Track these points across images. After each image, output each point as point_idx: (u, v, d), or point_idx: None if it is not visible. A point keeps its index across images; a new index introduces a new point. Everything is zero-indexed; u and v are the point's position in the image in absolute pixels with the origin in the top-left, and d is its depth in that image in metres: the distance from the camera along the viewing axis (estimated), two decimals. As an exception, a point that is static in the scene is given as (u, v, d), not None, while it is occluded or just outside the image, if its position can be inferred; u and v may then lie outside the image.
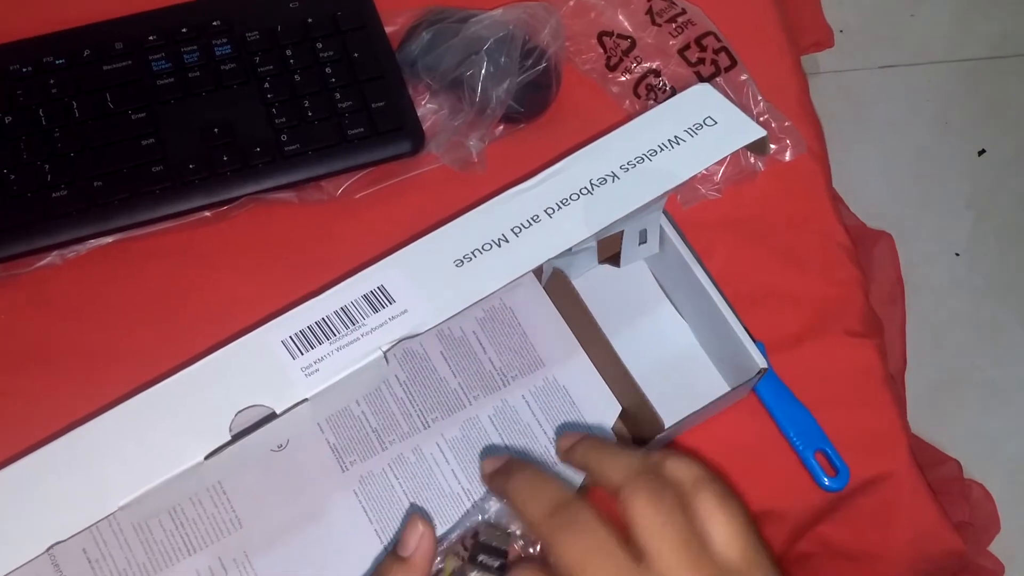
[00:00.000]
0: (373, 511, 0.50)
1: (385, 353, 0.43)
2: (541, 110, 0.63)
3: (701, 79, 0.65)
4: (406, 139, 0.61)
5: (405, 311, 0.44)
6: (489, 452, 0.52)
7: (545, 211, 0.47)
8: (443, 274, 0.45)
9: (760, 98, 0.64)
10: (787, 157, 0.64)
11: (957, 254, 1.36)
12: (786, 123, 0.64)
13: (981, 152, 1.41)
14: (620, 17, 0.66)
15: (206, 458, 0.41)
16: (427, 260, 0.46)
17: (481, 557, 0.45)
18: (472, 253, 0.46)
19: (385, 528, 0.50)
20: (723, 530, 0.36)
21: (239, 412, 0.42)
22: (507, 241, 0.46)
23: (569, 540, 0.36)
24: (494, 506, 0.48)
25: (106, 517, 0.40)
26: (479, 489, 0.51)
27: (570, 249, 0.47)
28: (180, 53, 0.61)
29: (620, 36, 0.66)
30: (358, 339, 0.44)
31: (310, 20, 0.62)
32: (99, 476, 0.41)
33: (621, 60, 0.65)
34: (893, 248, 0.86)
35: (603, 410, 0.53)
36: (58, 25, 0.61)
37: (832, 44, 0.96)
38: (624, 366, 0.53)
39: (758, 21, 0.69)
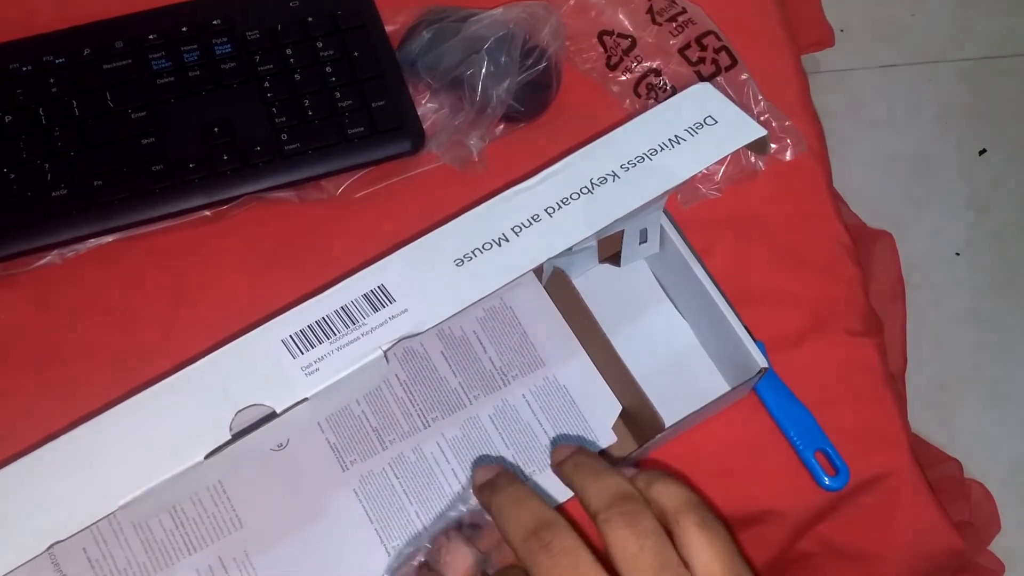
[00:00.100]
0: (373, 510, 0.50)
1: (385, 352, 0.43)
2: (541, 109, 0.63)
3: (701, 78, 0.65)
4: (406, 138, 0.61)
5: (405, 310, 0.44)
6: (489, 453, 0.52)
7: (545, 210, 0.47)
8: (443, 273, 0.45)
9: (760, 97, 0.64)
10: (787, 156, 0.64)
11: (957, 253, 1.36)
12: (786, 122, 0.64)
13: (982, 152, 1.41)
14: (620, 16, 0.66)
15: (206, 457, 0.41)
16: (427, 259, 0.46)
17: None
18: (472, 252, 0.46)
19: (385, 527, 0.50)
20: (704, 557, 0.35)
21: (239, 411, 0.42)
22: (507, 240, 0.46)
23: (547, 563, 0.35)
24: (474, 497, 0.48)
25: (106, 516, 0.40)
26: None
27: (570, 248, 0.47)
28: (180, 52, 0.61)
29: (620, 35, 0.66)
30: (358, 338, 0.43)
31: (310, 19, 0.62)
32: (99, 475, 0.41)
33: (621, 59, 0.65)
34: (893, 247, 0.86)
35: (603, 409, 0.53)
36: (58, 24, 0.61)
37: (833, 43, 0.96)
38: (624, 365, 0.53)
39: (759, 20, 0.69)
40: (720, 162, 0.63)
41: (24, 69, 0.59)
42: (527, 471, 0.51)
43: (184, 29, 0.61)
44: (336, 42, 0.62)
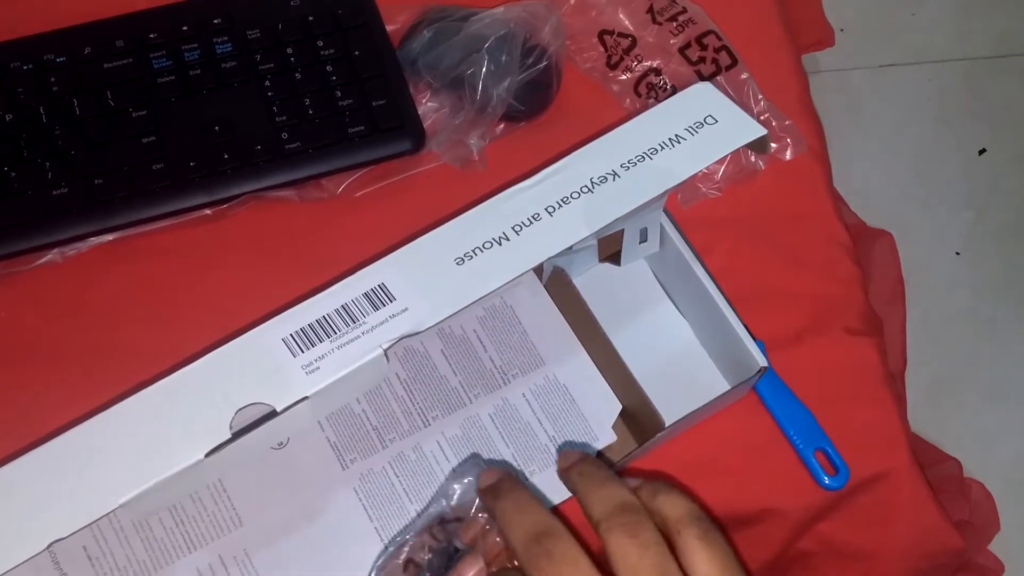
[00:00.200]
0: (373, 509, 0.50)
1: (386, 351, 0.43)
2: (542, 109, 0.63)
3: (702, 78, 0.65)
4: (407, 137, 0.61)
5: (406, 309, 0.44)
6: (489, 452, 0.52)
7: (546, 209, 0.47)
8: (444, 272, 0.45)
9: (761, 97, 0.64)
10: (788, 156, 0.64)
11: (957, 253, 1.36)
12: (786, 122, 0.64)
13: (981, 151, 1.41)
14: (621, 16, 0.66)
15: (206, 456, 0.41)
16: (428, 258, 0.46)
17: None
18: (473, 251, 0.46)
19: (385, 526, 0.50)
20: (704, 569, 0.36)
21: (239, 410, 0.42)
22: (508, 239, 0.46)
23: (548, 570, 0.36)
24: (457, 490, 0.48)
25: (106, 515, 0.40)
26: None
27: (571, 247, 0.47)
28: (181, 51, 0.61)
29: (621, 35, 0.66)
30: (359, 337, 0.44)
31: (311, 18, 0.62)
32: (99, 473, 0.41)
33: (622, 59, 0.65)
34: (893, 247, 0.86)
35: (603, 408, 0.53)
36: (59, 23, 0.61)
37: (833, 43, 0.96)
38: (624, 364, 0.53)
39: (759, 20, 0.69)
40: (720, 161, 0.63)
41: (25, 68, 0.59)
42: (527, 470, 0.52)
43: (185, 28, 0.61)
44: (337, 41, 0.62)
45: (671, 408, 0.52)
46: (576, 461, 0.42)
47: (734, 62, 0.65)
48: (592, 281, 0.59)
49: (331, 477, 0.50)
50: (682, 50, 0.65)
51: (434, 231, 0.47)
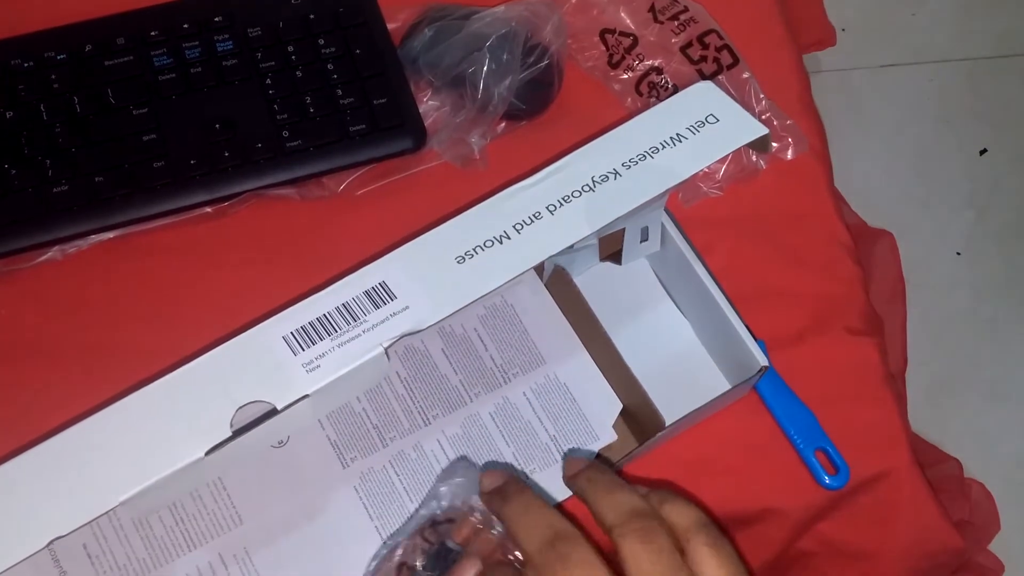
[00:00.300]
0: (373, 507, 0.50)
1: (386, 349, 0.43)
2: (543, 107, 0.63)
3: (703, 77, 0.65)
4: (408, 136, 0.61)
5: (407, 307, 0.44)
6: (490, 451, 0.52)
7: (547, 208, 0.47)
8: (445, 271, 0.45)
9: (762, 96, 0.64)
10: (789, 155, 0.64)
11: (958, 253, 1.36)
12: (788, 121, 0.64)
13: (982, 151, 1.41)
14: (622, 15, 0.66)
15: (207, 454, 0.41)
16: (429, 256, 0.46)
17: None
18: (474, 250, 0.46)
19: (385, 524, 0.50)
20: (715, 574, 0.36)
21: (240, 408, 0.42)
22: (509, 238, 0.46)
23: (562, 574, 0.36)
24: (447, 491, 0.48)
25: (106, 513, 0.40)
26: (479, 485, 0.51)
27: (572, 246, 0.47)
28: (182, 49, 0.61)
29: (622, 34, 0.66)
30: (359, 335, 0.43)
31: (312, 16, 0.62)
32: (99, 471, 0.41)
33: (623, 58, 0.65)
34: (894, 247, 0.86)
35: (604, 408, 0.53)
36: (60, 20, 0.61)
37: (834, 43, 0.96)
38: (625, 364, 0.53)
39: (760, 19, 0.69)
40: (721, 161, 0.63)
41: (26, 65, 0.59)
42: (527, 469, 0.51)
43: (186, 26, 0.61)
44: (338, 39, 0.62)
45: (672, 407, 0.52)
46: (583, 468, 0.42)
47: (735, 61, 0.65)
48: (593, 280, 0.59)
49: (331, 476, 0.50)
50: (683, 49, 0.65)
51: (435, 229, 0.47)
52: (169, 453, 0.41)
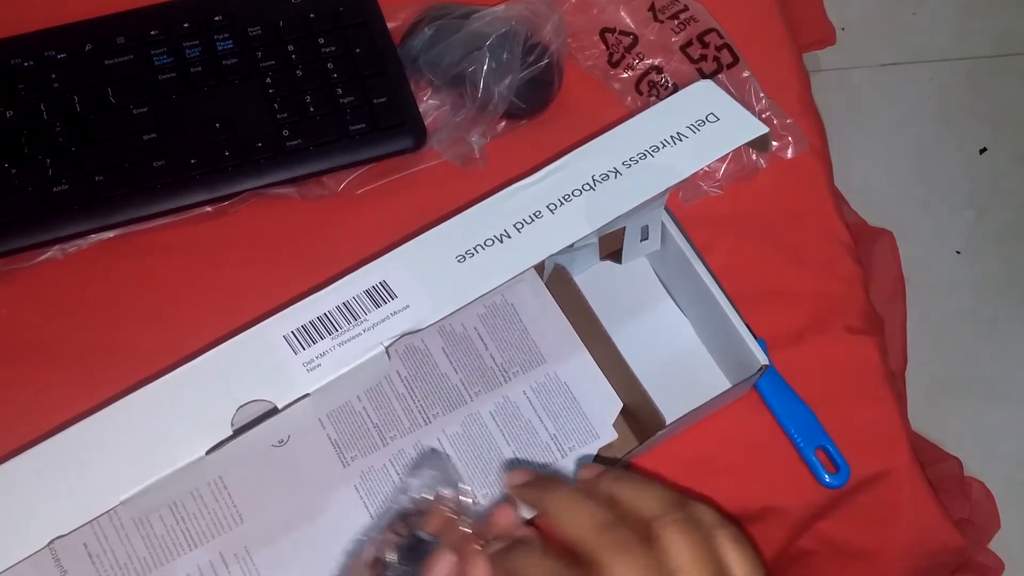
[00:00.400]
0: (374, 506, 0.50)
1: (387, 348, 0.43)
2: (543, 106, 0.63)
3: (703, 76, 0.65)
4: (408, 135, 0.61)
5: (407, 306, 0.44)
6: (490, 449, 0.52)
7: (547, 207, 0.47)
8: (445, 269, 0.45)
9: (762, 95, 0.64)
10: (789, 154, 0.64)
11: (958, 252, 1.36)
12: (788, 120, 0.64)
13: (982, 150, 1.41)
14: (622, 14, 0.66)
15: (207, 453, 0.41)
16: (429, 255, 0.46)
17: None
18: (474, 249, 0.46)
19: (386, 523, 0.50)
20: (741, 571, 0.38)
21: (240, 407, 0.42)
22: (509, 237, 0.46)
23: (622, 559, 0.38)
24: (416, 484, 0.48)
25: (107, 512, 0.40)
26: (479, 484, 0.51)
27: (572, 245, 0.47)
28: (182, 48, 0.61)
29: (622, 33, 0.66)
30: (360, 334, 0.44)
31: (312, 16, 0.62)
32: (100, 471, 0.41)
33: (623, 57, 0.65)
34: (894, 246, 0.86)
35: (604, 406, 0.53)
36: (60, 19, 0.61)
37: (834, 42, 0.96)
38: (625, 362, 0.53)
39: (760, 18, 0.69)
40: (721, 159, 0.63)
41: (26, 64, 0.59)
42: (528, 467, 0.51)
43: (186, 25, 0.61)
44: (338, 39, 0.62)
45: (672, 406, 0.52)
46: (601, 471, 0.44)
47: (735, 60, 0.65)
48: (593, 279, 0.59)
49: (332, 475, 0.50)
50: (683, 48, 0.65)
51: (435, 228, 0.47)
52: (170, 452, 0.41)
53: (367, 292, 0.45)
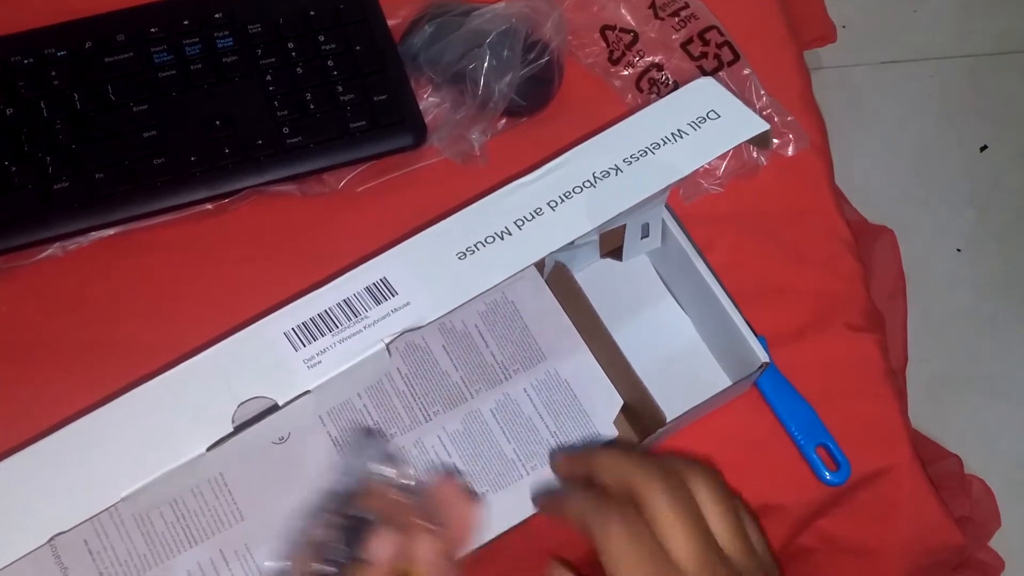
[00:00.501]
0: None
1: (387, 345, 0.43)
2: (543, 104, 0.63)
3: (704, 73, 0.65)
4: (408, 132, 0.61)
5: (408, 303, 0.44)
6: (491, 447, 0.52)
7: (548, 204, 0.47)
8: (446, 266, 0.45)
9: (763, 93, 0.64)
10: (789, 152, 0.64)
11: (958, 250, 1.36)
12: (789, 118, 0.64)
13: (983, 148, 1.41)
14: (623, 11, 0.66)
15: (208, 450, 0.41)
16: (430, 252, 0.46)
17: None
18: (475, 246, 0.45)
19: (386, 521, 0.49)
20: (712, 508, 0.42)
21: (241, 404, 0.42)
22: (510, 234, 0.46)
23: (615, 529, 0.41)
24: (356, 464, 0.46)
25: (108, 508, 0.40)
26: (480, 481, 0.51)
27: (572, 242, 0.47)
28: (182, 45, 0.60)
29: (623, 30, 0.66)
30: (360, 331, 0.43)
31: (312, 13, 0.62)
32: (101, 467, 0.41)
33: (624, 54, 0.65)
34: (894, 243, 0.86)
35: (605, 404, 0.53)
36: (60, 17, 0.61)
37: (835, 39, 0.96)
38: (626, 360, 0.53)
39: (761, 16, 0.69)
40: (722, 157, 0.63)
41: (26, 62, 0.59)
42: (528, 466, 0.51)
43: (186, 23, 0.61)
44: (338, 36, 0.61)
45: (672, 404, 0.52)
46: (592, 450, 0.48)
47: (736, 58, 0.65)
48: (594, 276, 0.59)
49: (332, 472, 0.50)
50: (684, 45, 0.65)
51: (436, 225, 0.47)
52: (170, 449, 0.41)
53: (368, 289, 0.45)
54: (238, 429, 0.41)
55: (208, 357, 0.43)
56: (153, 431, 0.41)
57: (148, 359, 0.49)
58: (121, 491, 0.40)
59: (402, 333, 0.43)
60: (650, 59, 0.65)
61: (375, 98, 0.60)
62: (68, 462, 0.41)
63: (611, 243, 0.59)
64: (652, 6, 0.66)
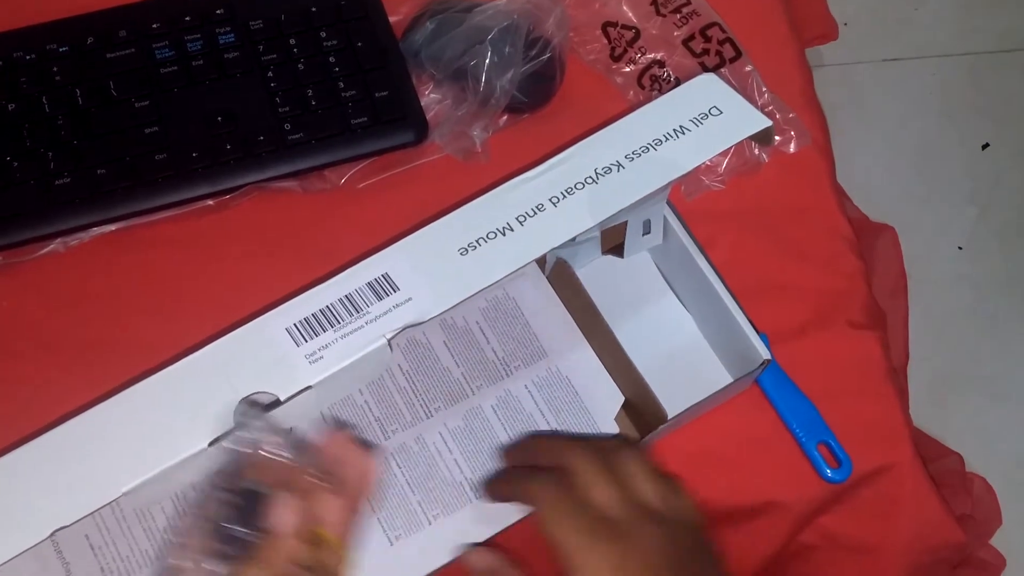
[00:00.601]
0: (376, 501, 0.50)
1: (389, 341, 0.43)
2: (545, 100, 0.63)
3: (706, 70, 0.64)
4: (409, 129, 0.60)
5: (409, 299, 0.44)
6: (492, 443, 0.52)
7: (550, 200, 0.47)
8: (447, 262, 0.45)
9: (765, 89, 0.64)
10: (791, 149, 0.64)
11: (960, 248, 1.36)
12: (790, 115, 0.64)
13: (984, 146, 1.41)
14: (624, 8, 0.66)
15: (210, 444, 0.41)
16: (431, 248, 0.46)
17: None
18: (476, 242, 0.46)
19: (388, 517, 0.50)
20: (641, 476, 0.46)
21: (243, 399, 0.42)
22: (511, 230, 0.46)
23: (549, 504, 0.45)
24: (238, 437, 0.43)
25: (109, 503, 0.40)
26: (481, 479, 0.51)
27: (574, 239, 0.47)
28: (184, 41, 0.60)
29: (624, 27, 0.66)
30: (362, 327, 0.43)
31: (314, 9, 0.62)
32: (102, 462, 0.41)
33: (625, 51, 0.65)
34: (896, 241, 0.86)
35: (606, 400, 0.53)
36: (62, 13, 0.61)
37: (836, 37, 0.95)
38: (627, 357, 0.53)
39: (763, 13, 0.69)
40: (724, 154, 0.63)
41: (28, 58, 0.59)
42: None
43: (188, 19, 0.61)
44: (339, 32, 0.61)
45: (674, 400, 0.52)
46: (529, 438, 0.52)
47: (738, 54, 0.65)
48: (595, 273, 0.59)
49: (333, 468, 0.50)
50: (686, 42, 0.65)
51: (438, 221, 0.47)
52: (172, 444, 0.41)
53: (369, 284, 0.45)
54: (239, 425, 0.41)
55: (210, 353, 0.43)
56: (155, 426, 0.41)
57: (150, 355, 0.49)
58: (123, 486, 0.40)
59: (403, 329, 0.43)
60: (652, 56, 0.65)
61: (376, 94, 0.60)
62: (70, 457, 0.41)
63: (613, 240, 0.59)
64: (654, 3, 0.66)
